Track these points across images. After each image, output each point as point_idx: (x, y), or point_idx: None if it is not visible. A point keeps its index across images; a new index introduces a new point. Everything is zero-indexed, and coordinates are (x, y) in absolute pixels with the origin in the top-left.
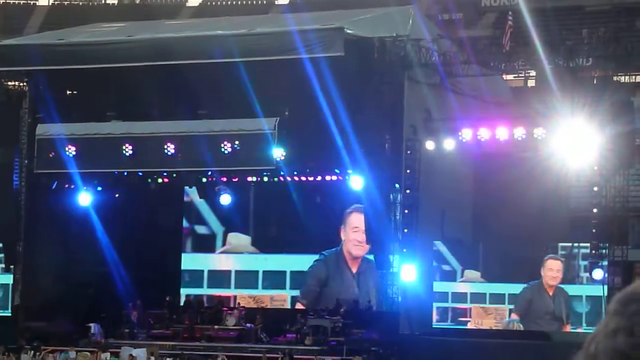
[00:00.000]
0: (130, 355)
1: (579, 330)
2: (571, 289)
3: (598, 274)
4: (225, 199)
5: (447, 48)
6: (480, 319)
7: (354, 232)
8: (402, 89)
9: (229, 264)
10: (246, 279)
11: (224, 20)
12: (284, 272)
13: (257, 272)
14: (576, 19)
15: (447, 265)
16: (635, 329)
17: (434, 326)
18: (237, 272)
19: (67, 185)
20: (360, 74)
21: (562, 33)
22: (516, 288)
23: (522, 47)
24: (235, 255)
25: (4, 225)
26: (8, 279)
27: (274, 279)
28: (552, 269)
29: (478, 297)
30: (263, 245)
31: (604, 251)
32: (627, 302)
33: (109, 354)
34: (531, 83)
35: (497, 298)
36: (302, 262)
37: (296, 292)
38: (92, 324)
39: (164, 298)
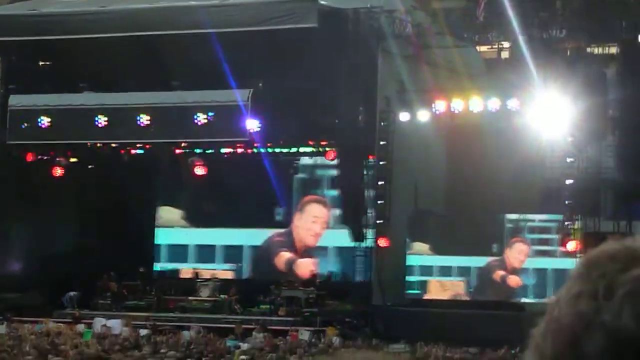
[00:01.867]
0: (104, 326)
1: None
2: (543, 263)
3: (570, 245)
4: (200, 171)
5: (421, 19)
6: (437, 294)
7: (312, 223)
8: (376, 60)
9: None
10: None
11: None
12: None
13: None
14: None
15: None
16: (599, 293)
17: (407, 294)
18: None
19: (40, 157)
20: (333, 45)
21: (535, 4)
22: (463, 261)
23: (496, 19)
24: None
25: None
26: None
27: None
28: (521, 252)
29: (426, 270)
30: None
31: (577, 223)
32: (591, 266)
33: (83, 325)
34: (505, 55)
35: (445, 271)
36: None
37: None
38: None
39: (137, 270)
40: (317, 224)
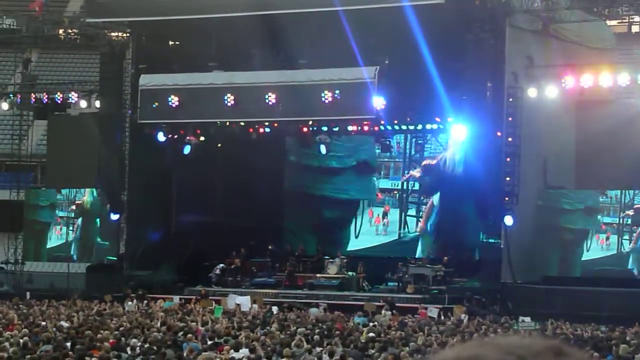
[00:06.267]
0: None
1: None
2: None
3: None
4: (325, 149)
5: None
6: None
7: None
8: (504, 35)
9: None
10: None
11: None
12: None
13: None
14: None
15: None
16: None
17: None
18: None
19: (170, 135)
20: (461, 21)
21: None
22: None
23: None
24: None
25: (109, 174)
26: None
27: None
28: None
29: None
30: None
31: None
32: None
33: (213, 301)
34: (635, 29)
35: None
36: None
37: None
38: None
39: (266, 247)
40: None
